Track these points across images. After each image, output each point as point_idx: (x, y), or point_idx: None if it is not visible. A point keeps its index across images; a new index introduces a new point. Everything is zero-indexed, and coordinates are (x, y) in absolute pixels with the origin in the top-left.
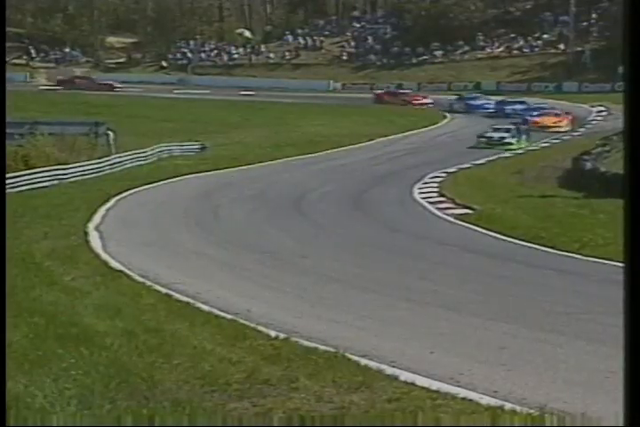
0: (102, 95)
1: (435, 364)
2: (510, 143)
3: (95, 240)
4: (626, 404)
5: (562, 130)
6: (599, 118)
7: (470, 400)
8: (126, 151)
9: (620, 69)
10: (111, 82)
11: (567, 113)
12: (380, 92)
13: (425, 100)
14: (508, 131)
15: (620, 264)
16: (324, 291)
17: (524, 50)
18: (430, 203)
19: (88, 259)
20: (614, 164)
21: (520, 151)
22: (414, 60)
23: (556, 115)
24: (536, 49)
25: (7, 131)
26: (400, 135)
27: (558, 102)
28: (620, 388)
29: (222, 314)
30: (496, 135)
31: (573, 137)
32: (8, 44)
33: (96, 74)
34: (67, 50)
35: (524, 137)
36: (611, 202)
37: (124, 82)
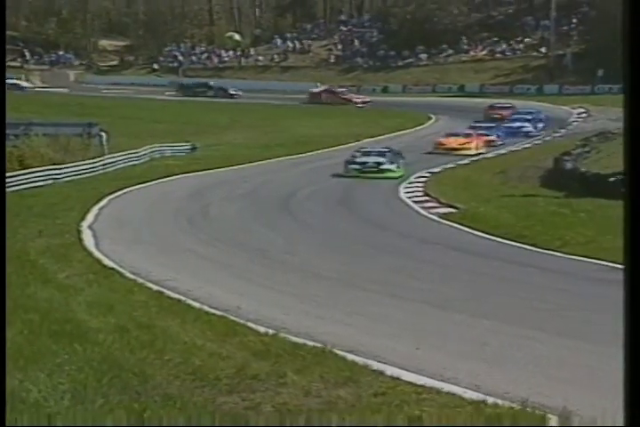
0: (95, 97)
1: (420, 359)
2: (390, 170)
3: (88, 238)
4: (626, 404)
5: (470, 153)
6: (579, 120)
7: (454, 394)
8: (119, 152)
9: (600, 72)
10: (352, 95)
11: (480, 134)
12: (316, 90)
13: (365, 99)
14: (382, 155)
15: (601, 262)
16: (311, 288)
17: (507, 53)
18: (415, 202)
19: (81, 257)
20: (594, 164)
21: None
22: (400, 63)
23: (466, 135)
24: (518, 52)
25: None
26: (385, 136)
27: (540, 104)
28: (599, 382)
29: (212, 311)
30: (370, 160)
31: (554, 138)
32: None
33: (89, 76)
34: (60, 52)
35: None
36: (590, 201)
37: (115, 84)
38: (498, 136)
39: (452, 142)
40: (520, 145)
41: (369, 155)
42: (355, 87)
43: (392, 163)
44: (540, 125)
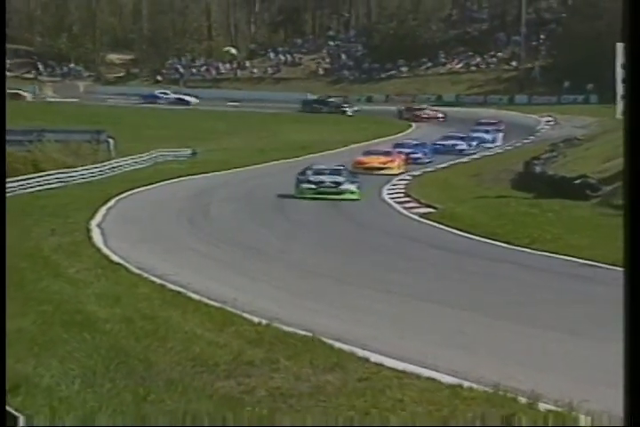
0: (103, 106)
1: (402, 347)
2: (351, 191)
3: (97, 236)
4: (626, 404)
5: (392, 172)
6: (547, 127)
7: (433, 379)
8: (125, 156)
9: (566, 84)
10: (430, 113)
11: (400, 152)
12: (401, 108)
13: (438, 114)
14: (338, 173)
15: (567, 257)
16: (302, 282)
17: (481, 66)
18: (398, 202)
19: (90, 253)
20: (561, 168)
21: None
22: (383, 75)
23: (386, 153)
24: (491, 65)
25: (18, 138)
26: (371, 142)
27: (510, 113)
28: (570, 369)
29: (211, 302)
30: (328, 180)
31: (524, 144)
32: (19, 60)
33: (97, 87)
34: (71, 65)
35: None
36: (558, 202)
37: (121, 94)
38: (424, 154)
39: (373, 161)
40: (449, 162)
41: (323, 174)
42: (341, 97)
43: (352, 182)
44: (490, 138)
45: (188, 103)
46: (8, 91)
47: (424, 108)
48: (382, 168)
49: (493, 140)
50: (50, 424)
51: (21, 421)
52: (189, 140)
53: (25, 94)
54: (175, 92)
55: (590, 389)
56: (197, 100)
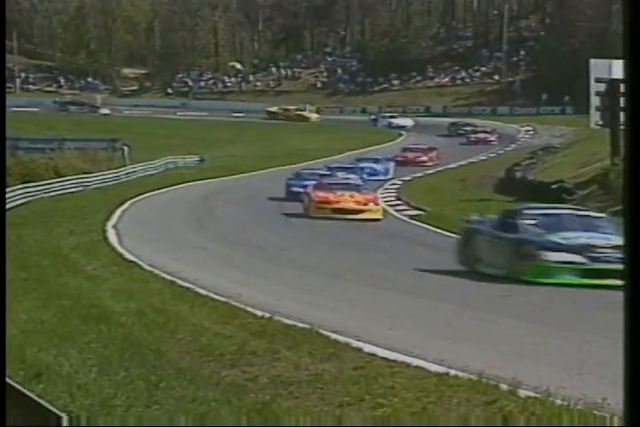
0: (118, 116)
1: (393, 338)
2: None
3: (112, 236)
4: (626, 404)
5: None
6: (527, 136)
7: (422, 368)
8: (139, 163)
9: (544, 96)
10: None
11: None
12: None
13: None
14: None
15: None
16: (301, 278)
17: (466, 80)
18: (390, 205)
19: (106, 252)
20: (540, 173)
21: None
22: (376, 88)
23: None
24: (475, 79)
25: (39, 146)
26: (365, 149)
27: (493, 123)
28: (546, 357)
29: (217, 297)
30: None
31: (506, 151)
32: (41, 75)
33: (113, 99)
34: (89, 79)
35: None
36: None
37: (135, 105)
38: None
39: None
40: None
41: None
42: (337, 108)
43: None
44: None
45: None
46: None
47: (478, 129)
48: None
49: (386, 172)
50: (68, 409)
51: (65, 420)
52: (198, 148)
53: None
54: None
55: None
56: (108, 111)
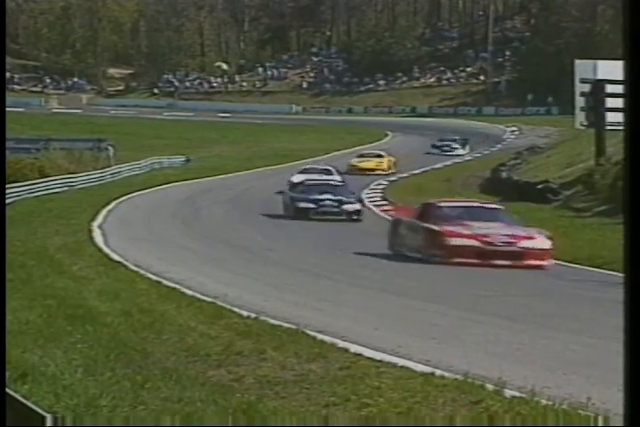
0: (103, 116)
1: (378, 338)
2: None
3: (98, 236)
4: (626, 404)
5: None
6: (512, 137)
7: (407, 368)
8: (124, 163)
9: (529, 97)
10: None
11: None
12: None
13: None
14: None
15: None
16: (287, 278)
17: (452, 80)
18: (376, 206)
19: (92, 252)
20: (524, 173)
21: None
22: (362, 88)
23: None
24: (461, 80)
25: (25, 146)
26: (350, 150)
27: (479, 124)
28: (531, 359)
29: (203, 297)
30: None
31: (492, 151)
32: (26, 75)
33: (99, 99)
34: (75, 79)
35: None
36: (522, 204)
37: (121, 105)
38: None
39: None
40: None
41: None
42: (323, 108)
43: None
44: None
45: None
46: None
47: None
48: None
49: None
50: (53, 409)
51: (49, 420)
52: (184, 148)
53: None
54: None
55: None
56: None
